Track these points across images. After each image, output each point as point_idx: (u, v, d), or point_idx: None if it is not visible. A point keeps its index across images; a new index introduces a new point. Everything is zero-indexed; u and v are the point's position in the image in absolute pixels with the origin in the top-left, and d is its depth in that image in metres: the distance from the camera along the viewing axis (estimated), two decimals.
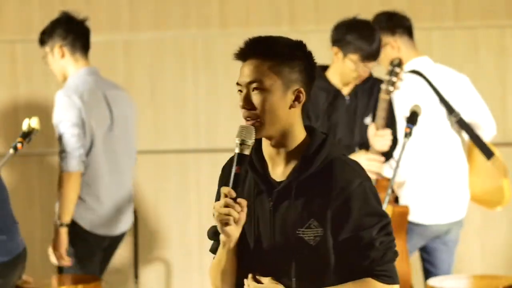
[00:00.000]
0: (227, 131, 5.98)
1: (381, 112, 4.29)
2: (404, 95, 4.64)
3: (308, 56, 2.55)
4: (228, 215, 2.46)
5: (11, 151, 4.17)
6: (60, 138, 4.59)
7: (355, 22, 4.45)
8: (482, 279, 4.42)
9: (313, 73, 2.55)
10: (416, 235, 4.71)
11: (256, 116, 2.48)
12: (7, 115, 6.04)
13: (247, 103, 2.49)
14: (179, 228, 6.04)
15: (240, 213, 2.45)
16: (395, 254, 2.49)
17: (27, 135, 4.17)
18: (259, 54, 2.52)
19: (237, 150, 2.50)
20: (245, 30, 5.94)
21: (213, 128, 6.00)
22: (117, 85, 4.98)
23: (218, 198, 2.60)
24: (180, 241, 6.06)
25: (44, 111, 5.98)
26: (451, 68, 4.95)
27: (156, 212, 6.05)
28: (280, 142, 2.51)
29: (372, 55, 4.31)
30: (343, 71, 4.35)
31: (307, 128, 2.55)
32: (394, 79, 4.32)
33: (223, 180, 2.65)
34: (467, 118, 4.80)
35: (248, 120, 2.50)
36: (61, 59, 4.79)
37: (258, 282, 2.54)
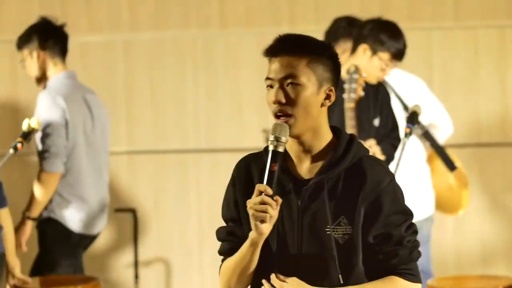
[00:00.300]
0: (227, 131, 5.98)
1: (350, 121, 4.29)
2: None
3: (336, 56, 2.58)
4: (265, 212, 2.42)
5: (11, 151, 4.17)
6: (44, 138, 4.64)
7: (385, 22, 4.50)
8: (482, 279, 4.42)
9: (340, 74, 2.59)
10: None
11: (288, 111, 2.48)
12: (7, 115, 6.04)
13: (281, 97, 2.49)
14: (179, 228, 6.04)
15: (275, 210, 2.43)
16: (419, 253, 2.54)
17: (27, 135, 4.17)
18: (294, 51, 2.51)
19: (271, 148, 2.47)
20: (245, 30, 5.94)
21: (213, 128, 6.00)
22: (91, 90, 5.06)
23: (232, 197, 2.60)
24: (180, 241, 6.06)
25: None
26: (412, 71, 4.96)
27: (156, 212, 6.05)
28: (308, 140, 2.52)
29: (401, 55, 4.39)
30: (368, 68, 4.37)
31: (332, 128, 2.59)
32: (354, 86, 4.32)
33: (241, 179, 2.61)
34: (425, 120, 4.85)
35: (279, 116, 2.49)
36: (40, 63, 4.82)
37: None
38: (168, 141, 6.03)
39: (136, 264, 5.77)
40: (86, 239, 4.88)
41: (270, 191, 2.42)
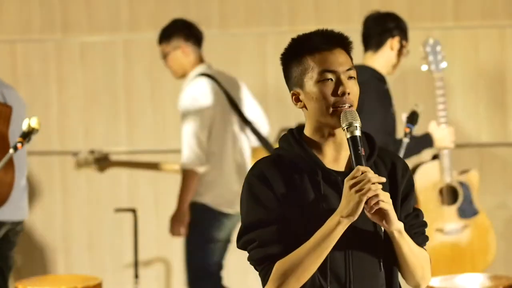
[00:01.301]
0: None
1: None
2: (207, 99, 4.91)
3: None
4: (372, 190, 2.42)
5: (11, 151, 4.17)
6: None
7: (393, 13, 4.73)
8: (482, 279, 4.42)
9: None
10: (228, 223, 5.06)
11: (350, 101, 2.52)
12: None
13: (349, 88, 2.52)
14: None
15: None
16: None
17: (27, 135, 4.16)
18: (345, 45, 2.58)
19: (349, 135, 2.47)
20: (245, 30, 5.94)
21: None
22: (9, 85, 4.96)
23: (270, 196, 2.53)
24: (180, 241, 6.06)
25: (44, 111, 5.99)
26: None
27: (156, 212, 6.05)
28: (341, 132, 2.54)
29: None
30: (393, 61, 4.47)
31: None
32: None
33: (274, 176, 2.55)
34: (251, 117, 5.07)
35: (341, 107, 2.51)
36: None
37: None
38: (168, 141, 6.03)
39: (136, 264, 5.77)
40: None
41: (372, 172, 2.42)
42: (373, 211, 2.42)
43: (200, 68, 5.12)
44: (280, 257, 2.50)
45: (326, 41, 2.55)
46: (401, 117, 4.60)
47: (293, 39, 2.63)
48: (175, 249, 6.06)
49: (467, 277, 4.47)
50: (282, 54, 2.65)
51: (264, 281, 2.58)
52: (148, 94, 6.04)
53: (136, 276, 5.78)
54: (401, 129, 4.73)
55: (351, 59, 2.59)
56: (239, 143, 5.08)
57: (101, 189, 6.05)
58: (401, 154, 4.25)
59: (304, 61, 2.56)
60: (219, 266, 5.11)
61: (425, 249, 2.63)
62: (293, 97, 2.62)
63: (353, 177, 2.41)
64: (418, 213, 2.63)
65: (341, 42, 2.57)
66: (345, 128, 2.47)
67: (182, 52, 5.10)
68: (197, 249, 5.04)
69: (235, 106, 5.03)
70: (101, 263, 6.08)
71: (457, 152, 5.77)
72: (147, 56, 6.04)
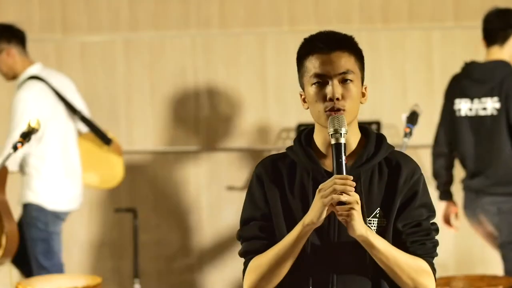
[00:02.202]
0: (227, 131, 5.98)
1: None
2: (35, 101, 4.98)
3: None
4: (344, 192, 2.42)
5: (11, 151, 4.17)
6: None
7: None
8: (482, 279, 4.42)
9: None
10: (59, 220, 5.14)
11: (341, 106, 2.51)
12: (7, 115, 6.04)
13: (340, 93, 2.51)
14: (179, 228, 6.04)
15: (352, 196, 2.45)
16: (437, 254, 2.62)
17: (27, 135, 4.17)
18: (346, 47, 2.56)
19: (333, 141, 2.47)
20: (245, 30, 5.94)
21: (213, 128, 6.00)
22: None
23: (260, 195, 2.58)
24: (180, 241, 6.06)
25: None
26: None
27: (156, 212, 6.05)
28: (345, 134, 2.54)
29: None
30: None
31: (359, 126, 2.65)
32: None
33: (269, 176, 2.59)
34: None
35: (332, 111, 2.51)
36: None
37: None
38: (168, 141, 6.03)
39: (136, 264, 5.77)
40: None
41: (351, 178, 2.42)
42: (340, 218, 2.43)
43: (31, 70, 5.18)
44: (256, 254, 2.55)
45: (325, 44, 2.54)
46: (401, 117, 4.60)
47: (303, 40, 2.63)
48: (175, 249, 6.06)
49: (467, 277, 4.47)
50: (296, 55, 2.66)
51: (242, 275, 2.61)
52: (148, 94, 6.04)
53: (136, 276, 5.78)
54: (401, 129, 4.73)
55: (359, 61, 2.57)
56: (71, 144, 5.20)
57: (101, 189, 6.04)
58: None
59: (304, 63, 2.58)
60: (59, 257, 5.15)
61: (428, 260, 2.56)
62: (301, 97, 2.63)
63: (325, 184, 2.43)
64: (420, 222, 2.56)
65: (342, 44, 2.55)
66: (330, 134, 2.47)
67: (7, 54, 5.17)
68: (37, 244, 5.05)
69: (66, 103, 5.13)
70: (101, 263, 6.08)
71: None
72: (147, 56, 6.04)
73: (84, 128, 5.33)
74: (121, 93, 6.06)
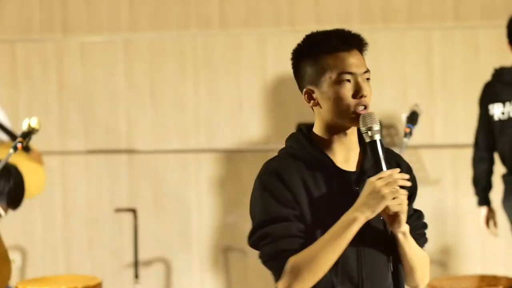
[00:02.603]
0: (227, 131, 5.98)
1: None
2: None
3: None
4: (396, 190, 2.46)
5: (11, 151, 4.17)
6: None
7: None
8: (482, 279, 4.42)
9: None
10: None
11: (367, 103, 2.53)
12: (7, 115, 6.04)
13: (367, 90, 2.53)
14: (179, 228, 6.04)
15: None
16: None
17: (27, 135, 4.17)
18: (361, 47, 2.58)
19: (368, 139, 2.49)
20: (245, 30, 5.94)
21: (213, 128, 6.00)
22: None
23: (286, 193, 2.52)
24: (180, 241, 6.06)
25: (44, 111, 5.99)
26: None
27: (156, 212, 6.05)
28: (352, 133, 2.57)
29: None
30: None
31: None
32: None
33: (291, 173, 2.55)
34: None
35: (359, 109, 2.52)
36: None
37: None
38: (168, 141, 6.03)
39: (136, 264, 5.77)
40: None
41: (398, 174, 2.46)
42: (391, 212, 2.45)
43: None
44: (294, 253, 2.49)
45: (345, 42, 2.54)
46: (401, 117, 4.60)
47: (308, 36, 2.60)
48: (175, 249, 6.06)
49: (467, 277, 4.47)
50: (294, 50, 2.62)
51: (277, 276, 2.55)
52: (148, 94, 6.04)
53: (136, 276, 5.78)
54: (401, 129, 4.73)
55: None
56: None
57: (101, 189, 6.05)
58: (402, 154, 4.25)
59: (321, 61, 2.54)
60: None
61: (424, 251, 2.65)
62: (306, 95, 2.61)
63: (380, 177, 2.44)
64: (420, 215, 2.65)
65: (358, 43, 2.56)
66: (364, 132, 2.48)
67: None
68: None
69: None
70: (101, 263, 6.08)
71: (457, 152, 5.77)
72: (147, 56, 6.04)
73: (4, 137, 5.24)
74: (121, 93, 6.06)
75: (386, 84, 5.83)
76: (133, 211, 5.84)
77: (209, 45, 6.00)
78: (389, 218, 2.48)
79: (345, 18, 5.86)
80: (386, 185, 2.42)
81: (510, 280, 4.25)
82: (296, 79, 2.64)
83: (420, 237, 2.62)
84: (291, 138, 2.64)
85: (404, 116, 4.55)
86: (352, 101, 2.51)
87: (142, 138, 6.05)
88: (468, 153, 5.27)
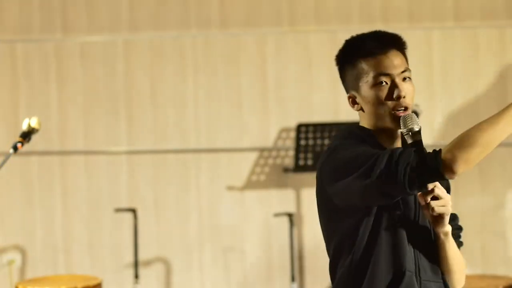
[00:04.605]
0: (227, 131, 5.98)
1: None
2: None
3: None
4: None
5: (11, 151, 4.17)
6: None
7: None
8: (482, 279, 4.42)
9: None
10: None
11: (406, 104, 2.51)
12: (7, 115, 6.04)
13: (405, 91, 2.51)
14: (179, 228, 6.04)
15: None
16: None
17: (27, 135, 4.16)
18: (399, 46, 2.58)
19: (410, 140, 2.45)
20: (245, 30, 5.94)
21: (213, 128, 6.00)
22: None
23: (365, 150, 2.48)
24: (180, 241, 6.06)
25: (44, 111, 5.99)
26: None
27: (156, 212, 6.05)
28: (397, 133, 2.55)
29: None
30: None
31: None
32: None
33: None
34: None
35: (398, 111, 2.50)
36: None
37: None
38: (168, 141, 6.03)
39: (136, 264, 5.77)
40: None
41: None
42: (436, 213, 2.47)
43: None
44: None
45: (380, 44, 2.54)
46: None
47: (347, 42, 2.61)
48: (175, 249, 6.05)
49: (467, 277, 4.47)
50: (336, 56, 2.63)
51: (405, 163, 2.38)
52: (148, 94, 6.04)
53: (136, 276, 5.77)
54: None
55: (406, 59, 2.58)
56: None
57: (101, 189, 6.05)
58: None
59: (358, 65, 2.54)
60: None
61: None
62: (350, 100, 2.60)
63: None
64: (455, 216, 2.65)
65: (394, 43, 2.56)
66: (405, 133, 2.45)
67: None
68: None
69: None
70: (101, 263, 6.07)
71: None
72: (147, 56, 6.04)
73: None
74: (121, 93, 6.06)
75: None
76: (133, 211, 5.84)
77: (209, 45, 6.00)
78: (432, 218, 2.50)
79: (345, 18, 5.86)
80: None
81: (510, 280, 4.25)
82: (342, 84, 2.64)
83: (455, 237, 2.61)
84: (341, 134, 2.61)
85: None
86: (390, 103, 2.50)
87: (142, 138, 6.05)
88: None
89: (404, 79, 2.53)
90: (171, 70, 6.02)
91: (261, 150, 5.93)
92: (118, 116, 6.05)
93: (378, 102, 2.51)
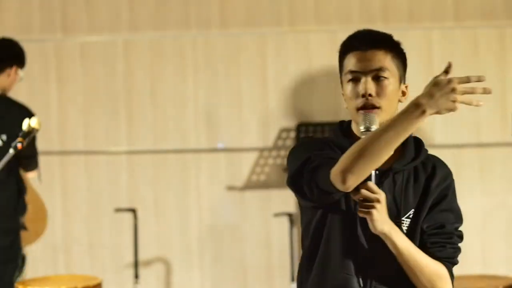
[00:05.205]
0: (227, 131, 5.98)
1: None
2: None
3: (405, 55, 2.66)
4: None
5: (11, 151, 4.16)
6: None
7: None
8: (482, 279, 4.42)
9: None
10: None
11: (376, 103, 2.51)
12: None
13: (373, 89, 2.51)
14: (179, 228, 6.04)
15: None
16: (458, 261, 2.60)
17: (27, 135, 4.16)
18: (380, 45, 2.56)
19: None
20: (245, 30, 5.94)
21: (213, 128, 6.00)
22: None
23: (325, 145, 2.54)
24: (180, 241, 6.06)
25: (44, 111, 5.99)
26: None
27: (156, 212, 6.05)
28: None
29: None
30: None
31: None
32: None
33: (319, 146, 2.57)
34: None
35: (366, 108, 2.51)
36: None
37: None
38: (168, 141, 6.03)
39: (136, 264, 5.77)
40: None
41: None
42: (360, 214, 2.44)
43: None
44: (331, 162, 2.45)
45: (363, 42, 2.55)
46: None
47: (345, 39, 2.63)
48: (175, 249, 6.05)
49: (467, 277, 4.47)
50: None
51: (314, 182, 2.46)
52: (148, 94, 6.04)
53: (136, 276, 5.78)
54: None
55: (398, 59, 2.56)
56: None
57: (101, 189, 6.05)
58: None
59: (343, 62, 2.59)
60: None
61: (446, 264, 2.54)
62: (343, 96, 2.62)
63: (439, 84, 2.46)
64: (444, 225, 2.56)
65: (378, 42, 2.55)
66: (362, 131, 2.47)
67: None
68: None
69: None
70: (101, 263, 6.08)
71: (457, 152, 5.77)
72: (147, 56, 6.04)
73: None
74: (121, 93, 6.06)
75: None
76: (133, 211, 5.84)
77: (209, 45, 6.00)
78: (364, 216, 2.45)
79: (345, 18, 5.86)
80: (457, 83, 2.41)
81: (510, 280, 4.25)
82: None
83: (436, 247, 2.54)
84: (331, 131, 2.67)
85: None
86: (359, 100, 2.51)
87: (142, 138, 6.05)
88: (468, 152, 5.28)
89: (378, 78, 2.52)
90: (171, 70, 6.02)
91: (261, 150, 5.93)
92: (118, 116, 6.05)
93: (349, 98, 2.54)
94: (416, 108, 2.38)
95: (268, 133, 5.92)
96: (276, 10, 5.93)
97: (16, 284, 4.39)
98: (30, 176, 5.14)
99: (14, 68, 5.10)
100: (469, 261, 5.83)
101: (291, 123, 5.81)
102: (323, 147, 2.56)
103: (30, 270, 6.06)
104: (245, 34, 5.94)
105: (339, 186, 2.37)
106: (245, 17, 5.96)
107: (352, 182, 2.36)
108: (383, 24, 5.82)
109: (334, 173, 2.38)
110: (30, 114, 4.96)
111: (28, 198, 5.06)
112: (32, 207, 5.11)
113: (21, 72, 5.15)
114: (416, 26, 5.80)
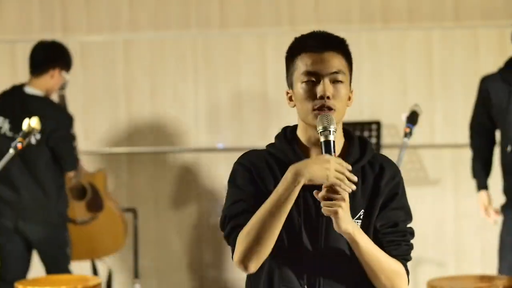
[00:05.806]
0: (227, 131, 5.98)
1: None
2: None
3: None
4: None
5: (11, 151, 4.16)
6: None
7: None
8: (482, 279, 4.42)
9: None
10: None
11: (331, 105, 2.52)
12: None
13: (331, 91, 2.52)
14: (179, 228, 6.04)
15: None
16: (411, 257, 2.62)
17: (27, 135, 4.16)
18: (338, 48, 2.57)
19: (322, 139, 2.48)
20: (245, 30, 5.94)
21: (213, 128, 6.00)
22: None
23: (249, 179, 2.57)
24: (180, 241, 6.06)
25: None
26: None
27: (156, 212, 6.05)
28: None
29: None
30: None
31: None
32: None
33: (259, 167, 2.59)
34: None
35: (321, 110, 2.52)
36: None
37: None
38: (168, 141, 6.03)
39: (136, 264, 5.77)
40: None
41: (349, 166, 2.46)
42: (325, 212, 2.43)
43: None
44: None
45: (319, 43, 2.55)
46: (401, 117, 4.60)
47: (294, 39, 2.64)
48: (176, 249, 6.06)
49: (467, 277, 4.47)
50: (285, 53, 2.67)
51: (232, 251, 2.59)
52: (148, 94, 6.04)
53: (136, 276, 5.78)
54: (401, 129, 4.73)
55: (349, 64, 2.58)
56: None
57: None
58: (402, 154, 4.25)
59: (295, 62, 2.59)
60: None
61: (402, 262, 2.57)
62: (287, 95, 2.65)
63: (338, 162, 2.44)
64: (397, 223, 2.57)
65: (335, 45, 2.56)
66: (319, 132, 2.48)
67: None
68: None
69: None
70: (101, 263, 6.08)
71: (457, 152, 5.77)
72: (147, 56, 6.04)
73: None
74: (121, 93, 6.06)
75: (386, 84, 5.83)
76: (133, 211, 5.84)
77: (209, 45, 6.00)
78: (328, 214, 2.45)
79: (345, 18, 5.86)
80: (337, 166, 2.42)
81: (510, 280, 4.25)
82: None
83: (391, 245, 2.55)
84: (276, 136, 2.68)
85: (404, 116, 4.55)
86: (315, 102, 2.52)
87: (142, 138, 6.05)
88: (468, 152, 5.27)
89: (336, 81, 2.53)
90: (171, 70, 6.02)
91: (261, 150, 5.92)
92: (118, 116, 6.05)
93: (303, 99, 2.54)
94: (293, 176, 2.44)
95: (268, 133, 5.92)
96: (276, 10, 5.93)
97: (16, 284, 4.38)
98: (69, 176, 5.22)
99: (57, 70, 5.08)
100: (469, 261, 5.84)
101: (291, 123, 5.81)
102: (247, 179, 2.56)
103: (30, 270, 6.06)
104: (245, 34, 5.94)
105: (244, 271, 2.52)
106: (245, 17, 5.96)
107: (254, 267, 2.51)
108: (383, 24, 5.82)
109: (236, 262, 2.51)
110: (68, 117, 4.99)
111: (104, 213, 5.50)
112: (107, 220, 5.48)
113: (66, 75, 5.13)
114: (416, 26, 5.81)
